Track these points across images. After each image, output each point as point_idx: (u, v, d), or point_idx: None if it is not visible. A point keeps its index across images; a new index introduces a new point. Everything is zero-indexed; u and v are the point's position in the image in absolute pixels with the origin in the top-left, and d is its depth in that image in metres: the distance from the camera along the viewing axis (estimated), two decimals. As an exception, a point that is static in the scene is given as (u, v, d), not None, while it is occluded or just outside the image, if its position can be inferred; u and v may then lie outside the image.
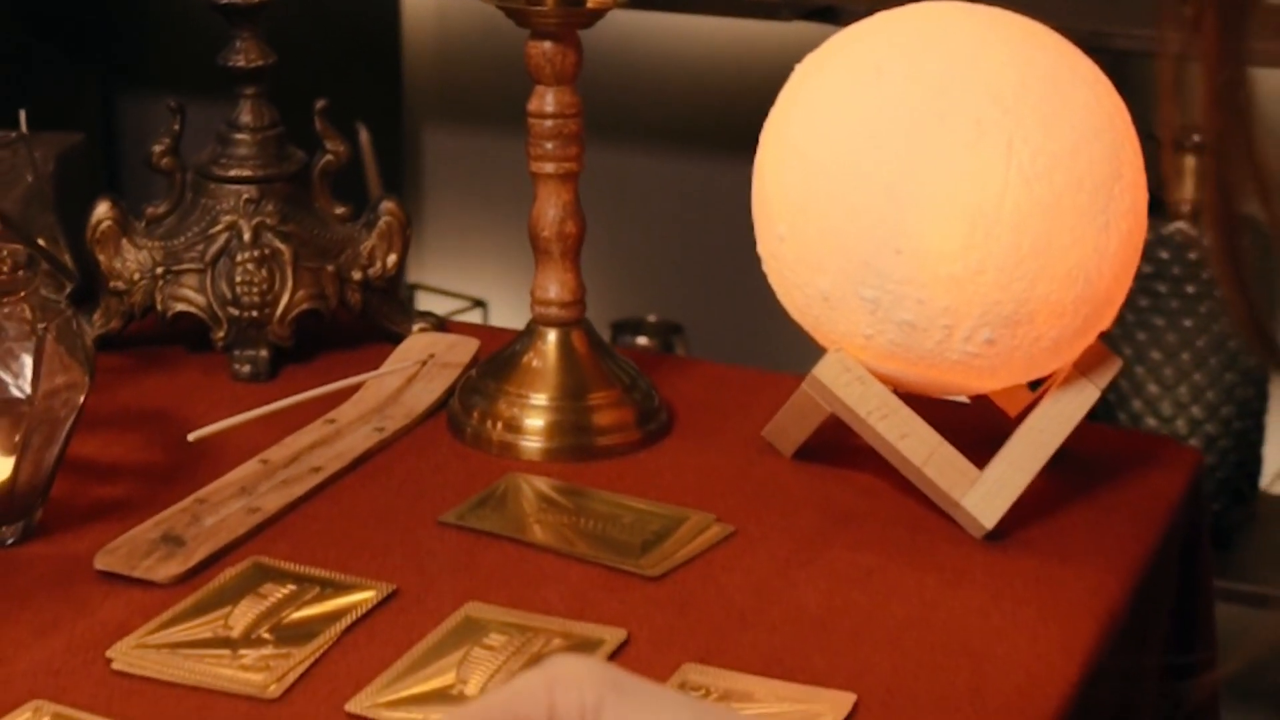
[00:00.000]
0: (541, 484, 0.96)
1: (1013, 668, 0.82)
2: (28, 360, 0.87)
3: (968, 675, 0.81)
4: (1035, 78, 0.90)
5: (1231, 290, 0.54)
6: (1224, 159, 0.52)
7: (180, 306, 1.09)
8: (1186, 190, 2.04)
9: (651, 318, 2.27)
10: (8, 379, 0.87)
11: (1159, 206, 2.05)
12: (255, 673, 0.79)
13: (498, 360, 1.03)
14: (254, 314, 1.08)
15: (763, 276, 0.96)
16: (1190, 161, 2.08)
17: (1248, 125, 0.51)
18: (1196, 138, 0.53)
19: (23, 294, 0.88)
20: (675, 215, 2.28)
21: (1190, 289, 2.02)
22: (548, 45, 0.99)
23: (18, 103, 1.16)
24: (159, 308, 1.09)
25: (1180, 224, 2.02)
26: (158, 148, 1.09)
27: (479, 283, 2.34)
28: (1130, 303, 2.09)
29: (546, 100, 1.00)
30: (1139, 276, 2.10)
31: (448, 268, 2.38)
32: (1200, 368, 2.02)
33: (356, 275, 1.11)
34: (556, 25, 0.98)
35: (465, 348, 1.10)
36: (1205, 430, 1.97)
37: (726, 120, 2.22)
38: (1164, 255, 2.03)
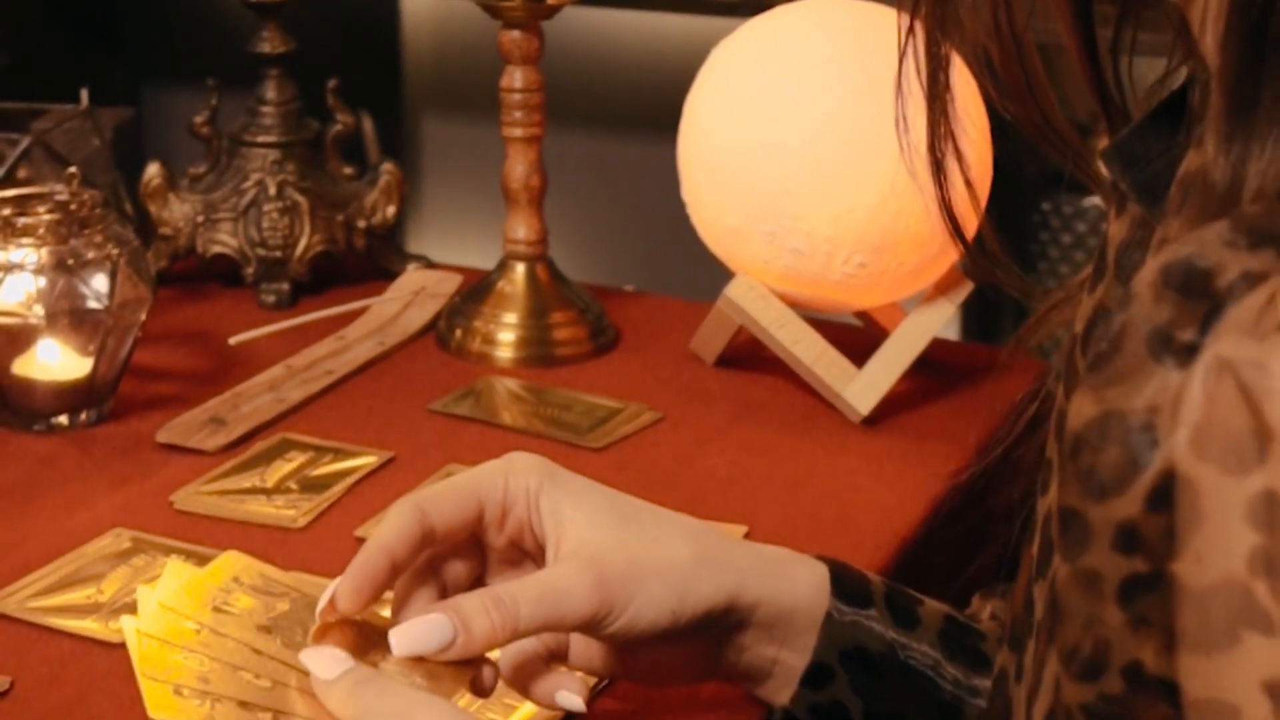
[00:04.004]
0: (511, 384, 1.20)
1: (873, 510, 1.05)
2: (104, 279, 1.11)
3: (838, 514, 1.05)
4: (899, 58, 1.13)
5: (947, 222, 0.77)
6: (934, 123, 0.74)
7: (217, 248, 1.32)
8: (1101, 169, 2.27)
9: (629, 288, 2.50)
10: (87, 294, 1.11)
11: (1078, 183, 2.29)
12: (286, 510, 1.02)
13: (476, 289, 1.27)
14: (278, 254, 1.31)
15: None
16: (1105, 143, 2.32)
17: (945, 101, 0.72)
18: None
19: (100, 227, 1.12)
20: (649, 196, 2.52)
21: (1105, 258, 2.26)
22: (516, 33, 1.22)
23: (58, 90, 1.40)
24: (199, 249, 1.33)
25: (1095, 199, 2.25)
26: (198, 119, 1.33)
27: (472, 258, 2.58)
28: (1053, 270, 2.33)
29: (515, 77, 1.23)
30: (1060, 246, 2.34)
31: (442, 245, 2.62)
32: (1115, 328, 2.26)
33: (361, 223, 1.34)
34: (522, 17, 1.22)
35: (450, 282, 1.34)
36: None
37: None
38: (1081, 228, 2.26)
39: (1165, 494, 0.48)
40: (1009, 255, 0.84)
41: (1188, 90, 0.64)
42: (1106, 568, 0.51)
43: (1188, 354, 0.48)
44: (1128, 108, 0.74)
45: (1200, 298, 0.48)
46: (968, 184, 0.77)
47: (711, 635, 0.80)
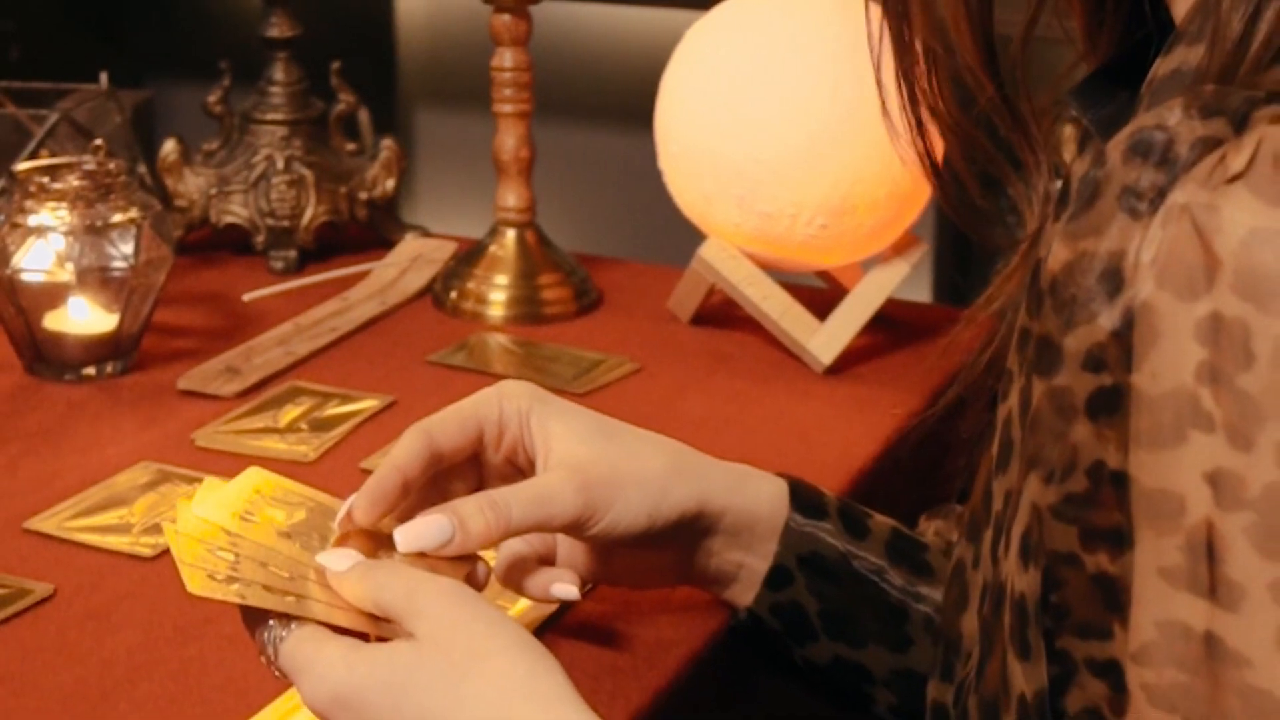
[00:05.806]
0: (501, 338, 1.30)
1: (833, 445, 1.15)
2: (130, 241, 1.21)
3: (802, 450, 1.15)
4: (856, 36, 1.23)
5: (930, 177, 0.87)
6: (908, 80, 0.84)
7: (229, 218, 1.43)
8: (1068, 154, 2.37)
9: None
10: (114, 254, 1.21)
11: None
12: (298, 446, 1.12)
13: (470, 253, 1.37)
14: (286, 223, 1.42)
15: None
16: (1069, 130, 2.42)
17: (914, 59, 0.82)
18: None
19: (125, 193, 1.22)
20: (627, 174, 2.62)
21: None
22: (506, 17, 1.33)
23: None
24: (212, 219, 1.43)
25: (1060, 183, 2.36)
26: (211, 98, 1.43)
27: (459, 233, 2.68)
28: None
29: (505, 57, 1.33)
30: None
31: (431, 222, 2.72)
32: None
33: (363, 195, 1.45)
34: (513, 2, 1.32)
35: (445, 249, 1.44)
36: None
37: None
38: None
39: (1128, 322, 0.58)
40: (992, 207, 0.93)
41: (1139, 43, 0.75)
42: (1076, 384, 0.61)
43: (1151, 205, 0.58)
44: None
45: (1163, 162, 0.59)
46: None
47: (684, 540, 0.90)
